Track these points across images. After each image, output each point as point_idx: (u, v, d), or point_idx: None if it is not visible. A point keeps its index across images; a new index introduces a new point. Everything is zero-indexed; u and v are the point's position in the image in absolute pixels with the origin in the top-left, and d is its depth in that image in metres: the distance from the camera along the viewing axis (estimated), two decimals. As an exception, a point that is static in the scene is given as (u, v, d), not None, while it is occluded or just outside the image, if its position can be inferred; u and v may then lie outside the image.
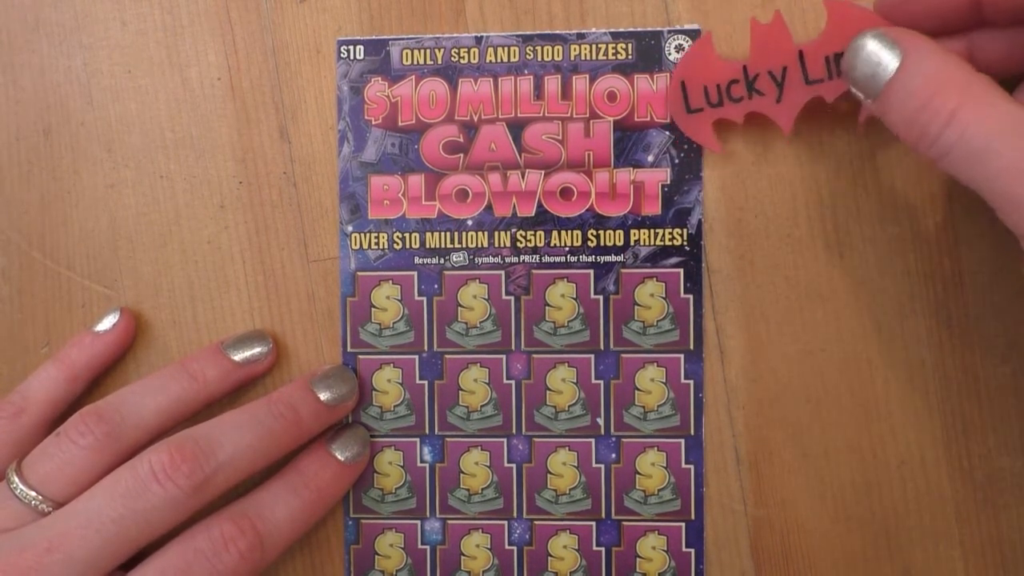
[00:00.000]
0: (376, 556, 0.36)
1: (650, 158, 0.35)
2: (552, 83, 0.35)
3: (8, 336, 0.37)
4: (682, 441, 0.35)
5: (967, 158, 0.26)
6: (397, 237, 0.35)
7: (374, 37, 0.35)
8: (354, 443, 0.35)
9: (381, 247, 0.35)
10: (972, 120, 0.26)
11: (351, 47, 0.35)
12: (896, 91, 0.28)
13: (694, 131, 0.34)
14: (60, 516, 0.30)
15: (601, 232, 0.35)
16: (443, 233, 0.35)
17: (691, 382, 0.35)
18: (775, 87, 0.32)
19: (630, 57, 0.34)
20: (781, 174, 0.34)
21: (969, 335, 0.34)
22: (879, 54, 0.28)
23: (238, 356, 0.35)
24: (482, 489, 0.36)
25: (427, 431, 0.36)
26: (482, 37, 0.35)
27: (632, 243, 0.35)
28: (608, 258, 0.35)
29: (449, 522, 0.36)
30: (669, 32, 0.34)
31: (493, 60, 0.35)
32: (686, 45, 0.34)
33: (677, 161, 0.34)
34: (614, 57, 0.35)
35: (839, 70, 0.31)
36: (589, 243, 0.35)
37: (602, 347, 0.35)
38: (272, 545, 0.32)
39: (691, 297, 0.35)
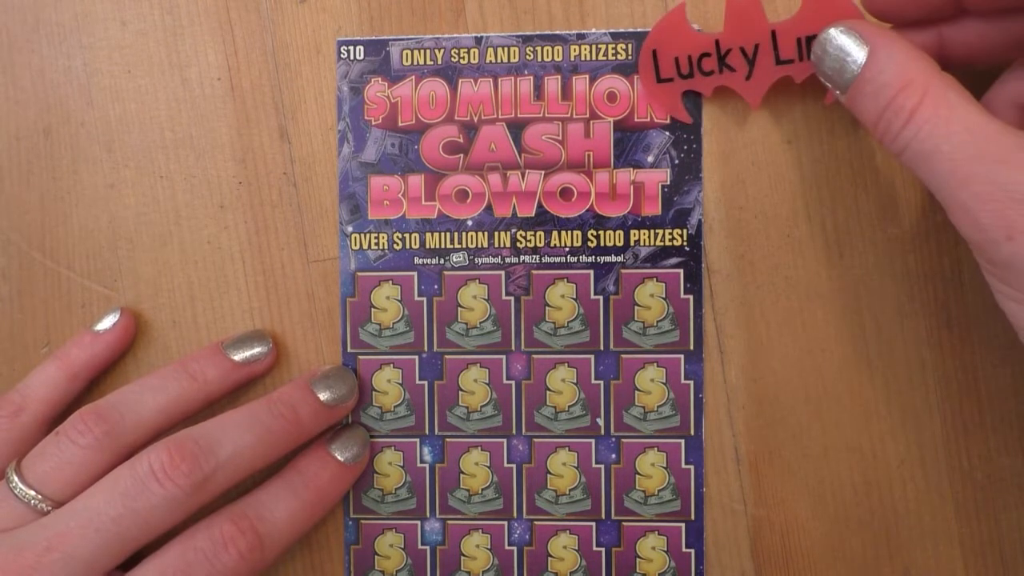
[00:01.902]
0: (376, 556, 0.36)
1: (650, 158, 0.35)
2: (552, 83, 0.35)
3: (8, 336, 0.37)
4: (682, 441, 0.35)
5: (918, 158, 0.27)
6: (397, 237, 0.35)
7: (374, 37, 0.35)
8: (354, 443, 0.35)
9: (381, 247, 0.35)
10: (927, 120, 0.27)
11: (351, 47, 0.35)
12: (863, 87, 0.28)
13: (663, 101, 0.34)
14: (59, 515, 0.30)
15: (601, 232, 0.35)
16: (443, 233, 0.35)
17: (691, 382, 0.35)
18: (746, 64, 0.32)
19: (630, 57, 0.34)
20: (781, 174, 0.34)
21: (969, 335, 0.34)
22: (847, 48, 0.29)
23: (238, 356, 0.35)
24: (482, 489, 0.36)
25: (427, 431, 0.36)
26: (482, 37, 0.35)
27: (632, 243, 0.35)
28: (608, 258, 0.35)
29: (449, 522, 0.36)
30: (669, 32, 0.34)
31: (493, 60, 0.35)
32: (686, 45, 0.34)
33: (677, 161, 0.35)
34: (614, 57, 0.35)
35: (809, 52, 0.31)
36: (589, 243, 0.35)
37: (602, 347, 0.35)
38: (272, 545, 0.32)
39: (691, 297, 0.35)
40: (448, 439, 0.36)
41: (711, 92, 0.33)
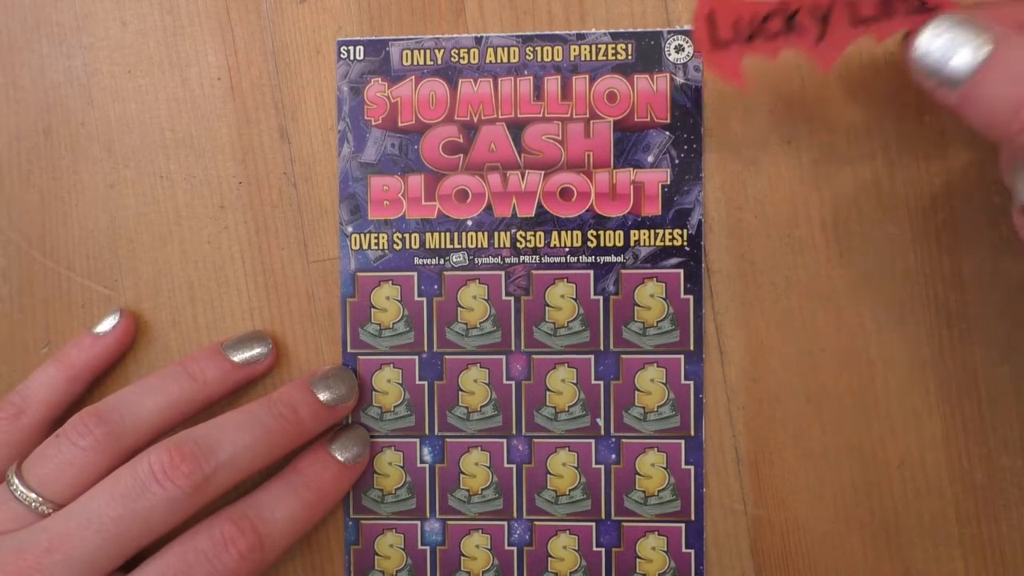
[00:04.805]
0: (376, 556, 0.36)
1: (650, 158, 0.35)
2: (552, 83, 0.35)
3: (8, 336, 0.37)
4: (682, 442, 0.35)
5: None
6: (397, 237, 0.35)
7: (374, 37, 0.35)
8: (354, 444, 0.35)
9: (381, 247, 0.35)
10: None
11: (351, 47, 0.35)
12: (995, 75, 0.26)
13: (718, 65, 0.30)
14: (60, 517, 0.30)
15: (601, 232, 0.35)
16: (443, 233, 0.35)
17: (691, 383, 0.35)
18: (817, 25, 0.29)
19: (630, 57, 0.34)
20: (781, 174, 0.34)
21: (969, 335, 0.34)
22: (967, 36, 0.27)
23: (238, 357, 0.35)
24: (482, 490, 0.36)
25: (427, 431, 0.36)
26: (482, 37, 0.35)
27: (632, 243, 0.35)
28: (608, 258, 0.35)
29: (449, 522, 0.36)
30: (669, 32, 0.34)
31: (493, 60, 0.35)
32: (686, 46, 0.34)
33: (677, 161, 0.34)
34: (614, 57, 0.34)
35: (892, 8, 0.28)
36: (589, 243, 0.35)
37: (602, 348, 0.35)
38: (272, 546, 0.32)
39: (691, 297, 0.35)
40: (448, 439, 0.36)
41: (777, 56, 0.29)
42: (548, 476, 0.35)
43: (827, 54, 0.29)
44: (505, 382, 0.35)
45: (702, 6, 0.30)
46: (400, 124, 0.35)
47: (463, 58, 0.35)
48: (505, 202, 0.35)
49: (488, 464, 0.36)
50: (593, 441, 0.35)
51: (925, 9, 0.28)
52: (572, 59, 0.35)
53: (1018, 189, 0.28)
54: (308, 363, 0.36)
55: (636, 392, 0.35)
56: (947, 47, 0.27)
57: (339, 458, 0.34)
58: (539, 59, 0.35)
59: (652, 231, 0.35)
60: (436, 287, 0.35)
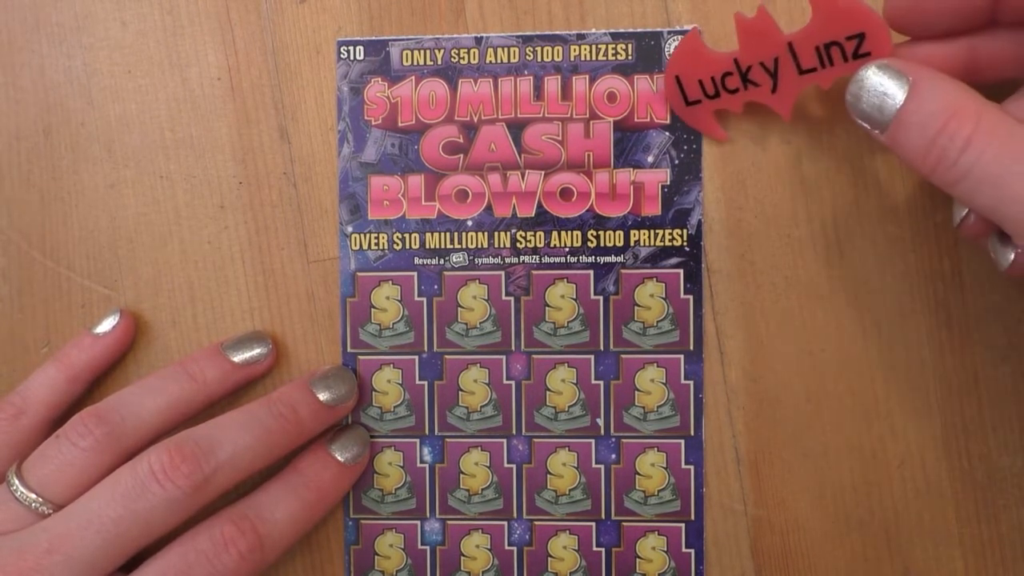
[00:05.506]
0: (376, 556, 0.36)
1: (650, 159, 0.35)
2: (552, 84, 0.35)
3: (8, 336, 0.37)
4: (682, 442, 0.35)
5: (985, 182, 0.26)
6: (397, 238, 0.35)
7: (374, 38, 0.35)
8: (354, 444, 0.35)
9: (381, 247, 0.35)
10: (989, 145, 0.26)
11: (351, 48, 0.35)
12: (910, 119, 0.28)
13: (696, 121, 0.34)
14: (60, 518, 0.30)
15: (601, 233, 0.35)
16: (443, 234, 0.35)
17: (691, 382, 0.35)
18: (769, 78, 0.32)
19: (630, 58, 0.34)
20: (781, 174, 0.34)
21: (969, 335, 0.34)
22: (886, 84, 0.28)
23: (237, 357, 0.35)
24: (482, 489, 0.36)
25: (427, 432, 0.36)
26: (482, 38, 0.35)
27: (632, 244, 0.35)
28: (608, 259, 0.35)
29: (449, 522, 0.36)
30: (669, 33, 0.34)
31: (493, 61, 0.35)
32: (686, 45, 0.34)
33: (677, 162, 0.34)
34: (614, 58, 0.34)
35: (831, 59, 0.31)
36: (589, 244, 0.35)
37: (602, 348, 0.35)
38: (272, 546, 0.32)
39: (691, 297, 0.35)
40: (448, 439, 0.36)
41: (741, 108, 0.33)
42: (548, 476, 0.35)
43: (782, 102, 0.32)
44: (505, 382, 0.35)
45: (669, 71, 0.33)
46: (400, 124, 0.35)
47: (463, 58, 0.35)
48: (505, 202, 0.35)
49: (488, 464, 0.36)
50: (593, 441, 0.35)
51: (859, 56, 0.30)
52: (572, 59, 0.35)
53: (954, 213, 0.31)
54: (308, 363, 0.36)
55: (636, 392, 0.35)
56: (870, 94, 0.29)
57: (339, 458, 0.34)
58: (539, 59, 0.35)
59: (652, 231, 0.35)
60: (436, 287, 0.35)
